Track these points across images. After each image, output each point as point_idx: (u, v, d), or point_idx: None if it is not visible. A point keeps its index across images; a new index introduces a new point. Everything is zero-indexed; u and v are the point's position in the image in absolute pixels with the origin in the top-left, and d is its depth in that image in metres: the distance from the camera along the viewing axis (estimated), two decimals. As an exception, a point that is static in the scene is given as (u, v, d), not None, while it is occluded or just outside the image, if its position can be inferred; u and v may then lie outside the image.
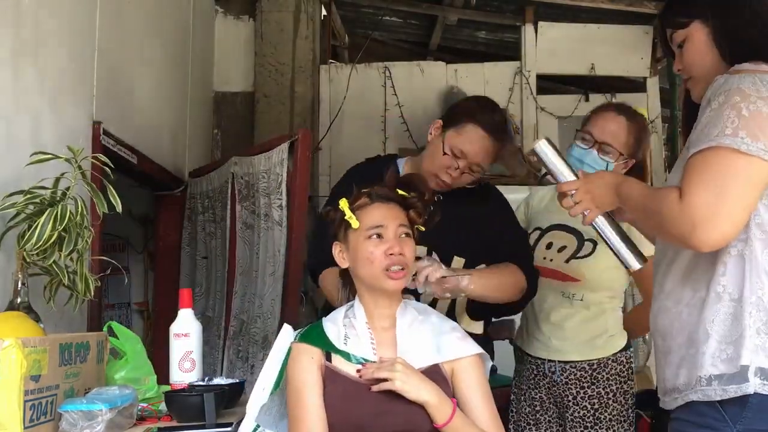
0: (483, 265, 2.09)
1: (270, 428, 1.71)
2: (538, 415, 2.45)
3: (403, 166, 2.24)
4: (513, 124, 4.58)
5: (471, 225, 2.13)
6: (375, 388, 1.60)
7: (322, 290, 2.17)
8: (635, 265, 1.72)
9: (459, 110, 2.15)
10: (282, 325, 1.83)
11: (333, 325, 1.71)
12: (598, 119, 2.35)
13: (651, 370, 4.83)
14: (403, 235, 1.69)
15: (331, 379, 1.64)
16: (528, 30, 5.21)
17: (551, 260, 2.42)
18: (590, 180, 1.68)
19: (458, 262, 2.11)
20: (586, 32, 5.24)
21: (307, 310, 4.08)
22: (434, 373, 1.65)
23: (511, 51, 5.58)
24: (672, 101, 5.26)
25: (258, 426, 1.69)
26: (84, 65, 2.74)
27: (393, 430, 1.60)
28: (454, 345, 1.69)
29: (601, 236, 1.73)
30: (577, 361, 2.38)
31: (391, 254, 1.65)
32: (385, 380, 1.59)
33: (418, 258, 1.85)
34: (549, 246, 2.44)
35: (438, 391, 1.59)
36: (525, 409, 2.48)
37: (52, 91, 2.45)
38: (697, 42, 1.58)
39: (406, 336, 1.68)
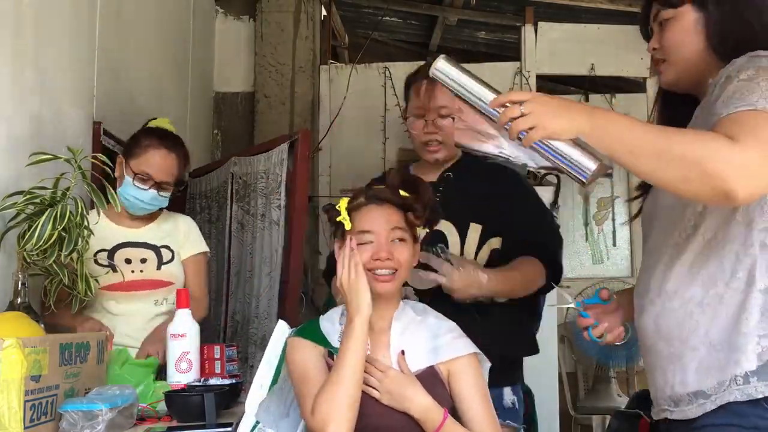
0: (497, 239, 2.10)
1: (270, 427, 1.71)
2: None
3: (412, 168, 2.27)
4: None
5: (485, 195, 2.12)
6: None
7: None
8: (592, 165, 1.38)
9: (406, 85, 2.29)
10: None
11: (330, 324, 1.72)
12: (151, 158, 2.36)
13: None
14: (396, 240, 1.67)
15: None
16: (528, 30, 5.21)
17: (141, 271, 2.37)
18: (544, 95, 1.39)
19: (475, 228, 2.10)
20: (585, 32, 5.24)
21: (307, 311, 4.07)
22: (430, 376, 1.65)
23: (511, 51, 5.58)
24: (672, 101, 5.26)
25: (257, 423, 1.69)
26: (84, 65, 2.74)
27: (390, 429, 1.61)
28: (449, 345, 1.68)
29: (545, 153, 1.39)
30: None
31: (377, 259, 1.65)
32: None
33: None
34: (128, 261, 2.38)
35: (426, 403, 1.59)
36: None
37: (52, 92, 2.45)
38: (685, 24, 1.50)
39: (402, 338, 1.68)
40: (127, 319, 2.32)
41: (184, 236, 2.49)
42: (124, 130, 3.07)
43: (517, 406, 2.14)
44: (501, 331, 2.03)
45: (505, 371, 2.03)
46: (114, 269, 2.32)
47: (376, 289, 1.66)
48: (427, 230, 1.75)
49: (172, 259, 2.42)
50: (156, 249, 2.40)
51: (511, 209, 2.13)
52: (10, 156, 2.16)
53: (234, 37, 4.75)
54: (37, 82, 2.35)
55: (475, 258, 2.09)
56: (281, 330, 1.77)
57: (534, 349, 2.22)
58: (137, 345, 2.29)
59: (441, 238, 2.06)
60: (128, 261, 2.35)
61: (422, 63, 2.34)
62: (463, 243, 2.09)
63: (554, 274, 2.11)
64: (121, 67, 3.09)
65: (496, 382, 1.81)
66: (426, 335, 1.70)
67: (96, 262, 2.29)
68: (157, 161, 2.35)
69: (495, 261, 2.09)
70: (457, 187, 2.14)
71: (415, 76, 2.22)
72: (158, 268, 2.39)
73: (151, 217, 2.46)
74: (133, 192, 2.33)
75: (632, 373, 4.82)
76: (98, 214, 2.29)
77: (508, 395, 2.12)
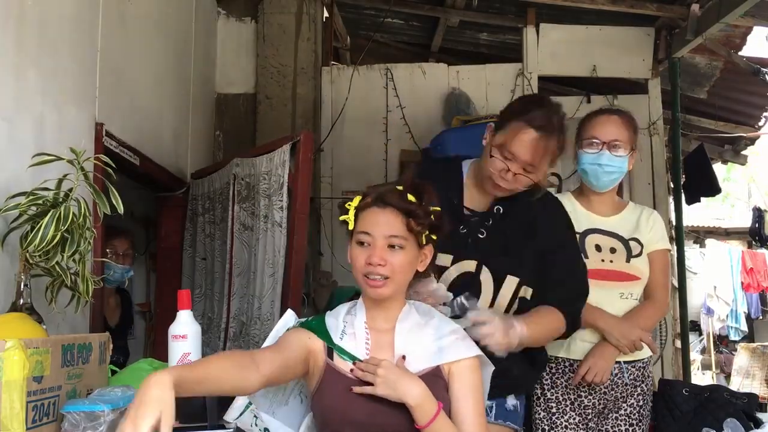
0: (529, 290, 2.07)
1: (266, 413, 1.72)
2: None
3: (468, 168, 2.19)
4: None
5: (526, 237, 2.09)
6: (356, 389, 1.62)
7: None
8: None
9: (506, 111, 2.11)
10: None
11: (334, 320, 1.74)
12: (596, 123, 2.45)
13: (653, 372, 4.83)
14: (396, 246, 1.67)
15: (330, 374, 1.66)
16: (530, 32, 5.21)
17: (611, 261, 2.42)
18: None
19: (512, 281, 2.07)
20: (587, 34, 5.24)
21: (308, 311, 4.08)
22: (434, 376, 1.66)
23: (512, 53, 5.58)
24: (673, 103, 5.25)
25: (249, 404, 1.69)
26: (86, 67, 2.74)
27: (388, 428, 1.62)
28: (452, 347, 1.70)
29: None
30: (637, 360, 2.46)
31: (369, 263, 1.66)
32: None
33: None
34: (598, 248, 2.43)
35: (422, 393, 1.60)
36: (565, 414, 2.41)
37: (54, 93, 2.46)
38: None
39: (406, 339, 1.69)
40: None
41: (650, 230, 2.51)
42: (126, 132, 3.09)
43: (518, 410, 2.20)
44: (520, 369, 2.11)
45: (511, 389, 2.14)
46: (585, 255, 2.36)
47: (369, 293, 1.69)
48: (435, 237, 1.74)
49: (641, 253, 2.46)
50: (625, 241, 2.45)
51: (549, 259, 2.09)
52: (13, 157, 2.17)
53: (236, 38, 4.76)
54: (40, 83, 2.36)
55: (507, 311, 2.06)
56: (288, 317, 1.79)
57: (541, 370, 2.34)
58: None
59: (477, 285, 2.04)
60: (598, 248, 2.41)
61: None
62: (496, 294, 2.06)
63: (573, 323, 2.11)
64: (123, 69, 3.09)
65: (501, 393, 1.93)
66: (430, 337, 1.71)
67: None
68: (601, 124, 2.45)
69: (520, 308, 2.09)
70: (501, 227, 2.08)
71: (521, 118, 2.03)
72: (627, 261, 2.43)
73: (619, 207, 2.52)
74: (587, 160, 2.41)
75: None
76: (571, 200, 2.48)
77: (511, 399, 2.17)
